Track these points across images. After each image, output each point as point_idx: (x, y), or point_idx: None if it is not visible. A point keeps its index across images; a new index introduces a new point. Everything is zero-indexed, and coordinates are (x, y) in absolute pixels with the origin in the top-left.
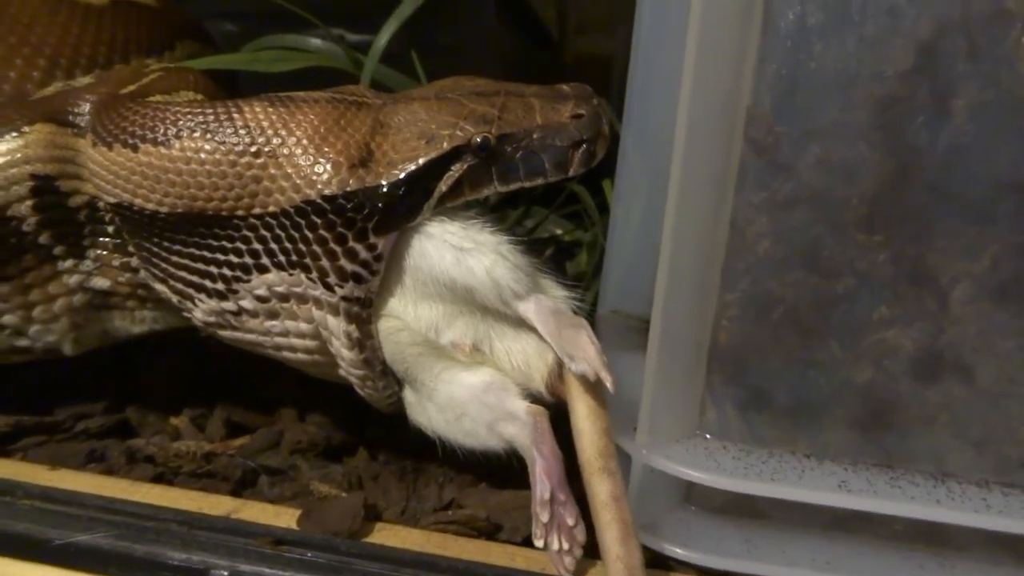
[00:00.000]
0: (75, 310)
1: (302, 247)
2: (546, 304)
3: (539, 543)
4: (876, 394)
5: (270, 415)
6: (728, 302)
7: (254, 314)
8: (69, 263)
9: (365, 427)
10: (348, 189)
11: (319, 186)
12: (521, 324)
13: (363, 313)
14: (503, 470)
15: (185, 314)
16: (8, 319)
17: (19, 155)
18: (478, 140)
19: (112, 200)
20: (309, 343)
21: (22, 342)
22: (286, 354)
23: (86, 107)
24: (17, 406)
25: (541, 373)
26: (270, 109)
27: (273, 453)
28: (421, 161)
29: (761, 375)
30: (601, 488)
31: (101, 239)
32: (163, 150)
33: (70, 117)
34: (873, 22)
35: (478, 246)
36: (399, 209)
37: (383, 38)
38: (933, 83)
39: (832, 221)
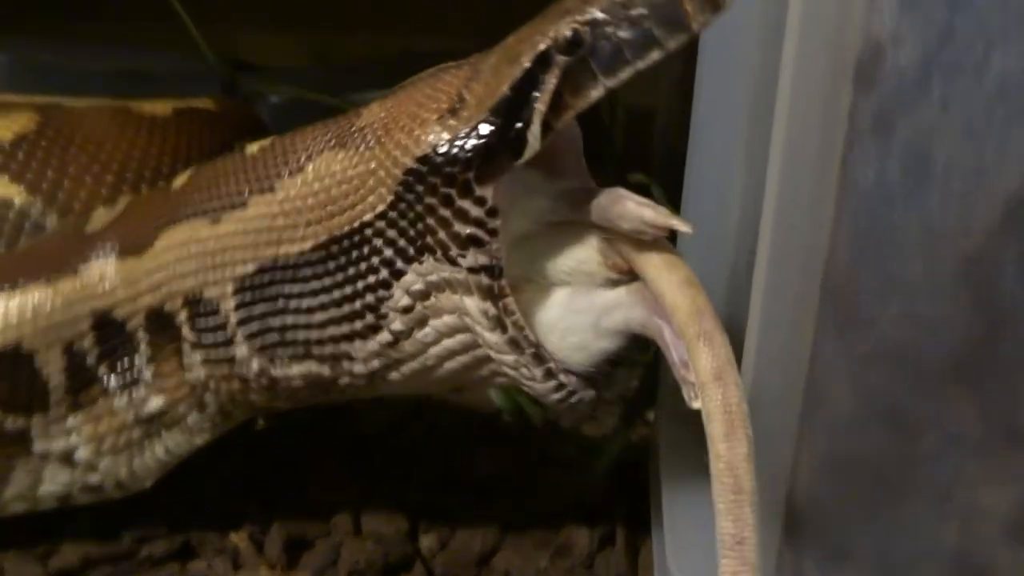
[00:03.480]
0: (136, 440)
1: (420, 226)
2: (568, 189)
3: (695, 404)
4: (967, 558)
5: (326, 522)
6: (806, 458)
7: (407, 333)
8: (125, 394)
9: (419, 534)
10: (439, 142)
11: (413, 150)
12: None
13: (495, 285)
14: None
15: (342, 380)
16: (82, 453)
17: (80, 294)
18: (566, 34)
19: (240, 272)
20: (461, 338)
21: (94, 478)
22: (449, 365)
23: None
24: (85, 527)
25: (597, 261)
26: (382, 101)
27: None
28: (506, 87)
29: (841, 535)
30: (700, 361)
31: (156, 353)
32: (299, 177)
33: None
34: (958, 179)
35: None
36: (498, 148)
37: None
38: (1021, 238)
39: (916, 376)
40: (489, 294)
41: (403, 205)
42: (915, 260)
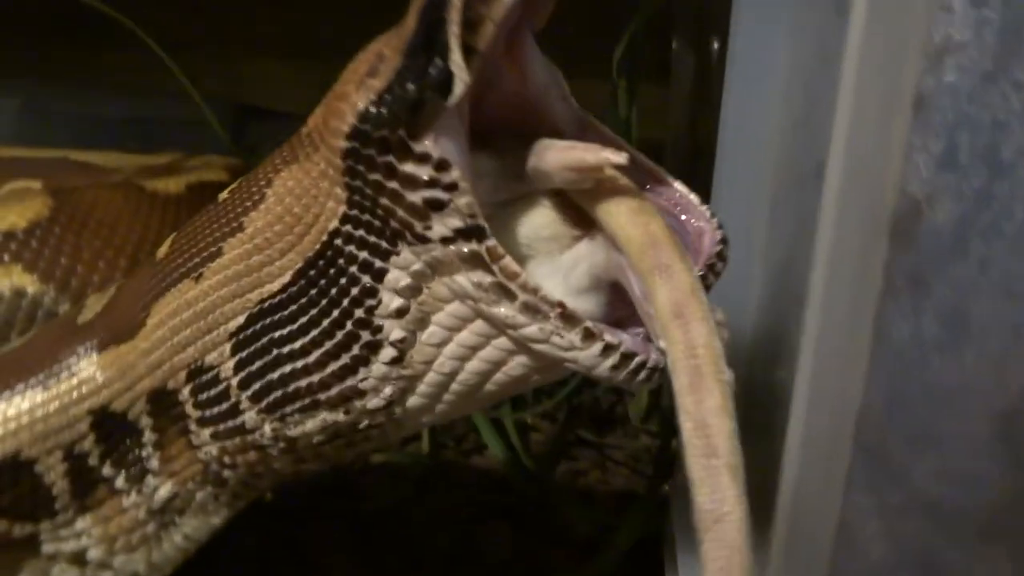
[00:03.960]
0: (151, 533)
1: (379, 212)
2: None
3: (660, 344)
4: None
5: None
6: None
7: (411, 340)
8: (133, 489)
9: None
10: (360, 108)
11: (342, 128)
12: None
13: (481, 249)
14: None
15: (362, 422)
16: (94, 553)
17: (75, 394)
18: None
19: (234, 326)
20: (474, 327)
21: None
22: (473, 367)
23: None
24: None
25: (554, 220)
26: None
27: None
28: (412, 20)
29: None
30: (658, 297)
31: (162, 437)
32: (263, 206)
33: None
34: (996, 337)
35: None
36: (422, 91)
37: None
38: None
39: (950, 530)
40: (477, 261)
41: (356, 196)
42: (950, 415)
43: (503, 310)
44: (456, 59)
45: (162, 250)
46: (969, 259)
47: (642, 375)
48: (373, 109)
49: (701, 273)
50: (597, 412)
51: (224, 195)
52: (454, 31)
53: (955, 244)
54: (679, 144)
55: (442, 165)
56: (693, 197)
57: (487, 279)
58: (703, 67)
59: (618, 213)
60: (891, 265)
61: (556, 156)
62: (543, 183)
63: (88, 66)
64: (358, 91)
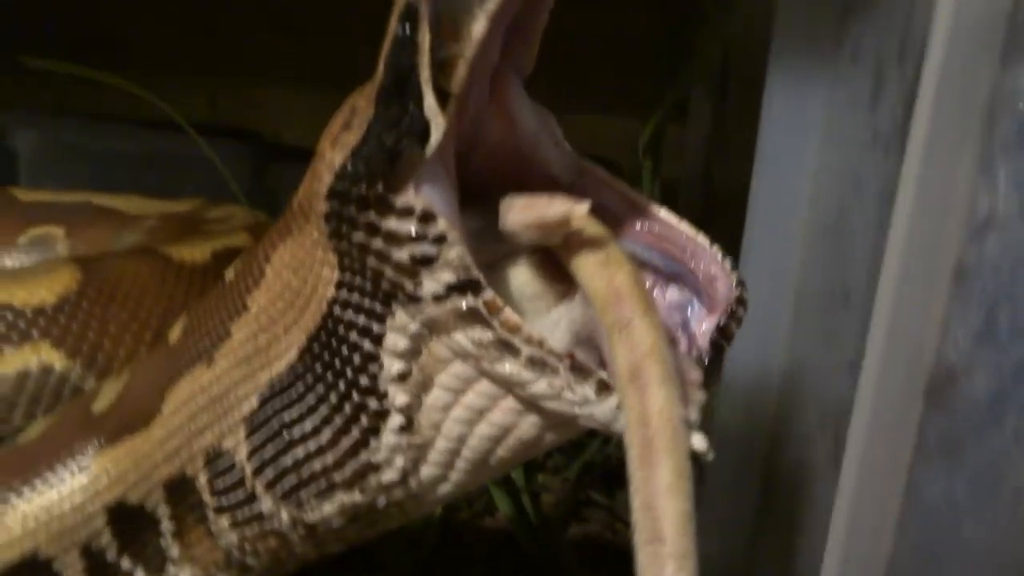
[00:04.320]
0: None
1: (368, 272)
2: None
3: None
4: None
5: None
6: None
7: (416, 404)
8: None
9: None
10: (336, 166)
11: (320, 190)
12: None
13: (478, 304)
14: None
15: (380, 500)
16: None
17: (90, 490)
18: (404, 2)
19: (248, 409)
20: (480, 389)
21: None
22: (484, 432)
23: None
24: None
25: (533, 278)
26: None
27: None
28: (382, 66)
29: None
30: (616, 357)
31: (180, 526)
32: (263, 283)
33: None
34: None
35: None
36: (397, 142)
37: None
38: None
39: None
40: (475, 317)
41: (346, 260)
42: (981, 574)
43: (508, 367)
44: (430, 104)
45: (175, 332)
46: (1005, 430)
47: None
48: (348, 165)
49: (721, 323)
50: (608, 470)
51: (229, 274)
52: (425, 75)
53: (991, 415)
54: (694, 186)
55: (426, 217)
56: (702, 239)
57: (487, 335)
58: (721, 112)
59: (585, 265)
60: (926, 428)
61: (517, 216)
62: (517, 242)
63: (103, 99)
64: (333, 148)
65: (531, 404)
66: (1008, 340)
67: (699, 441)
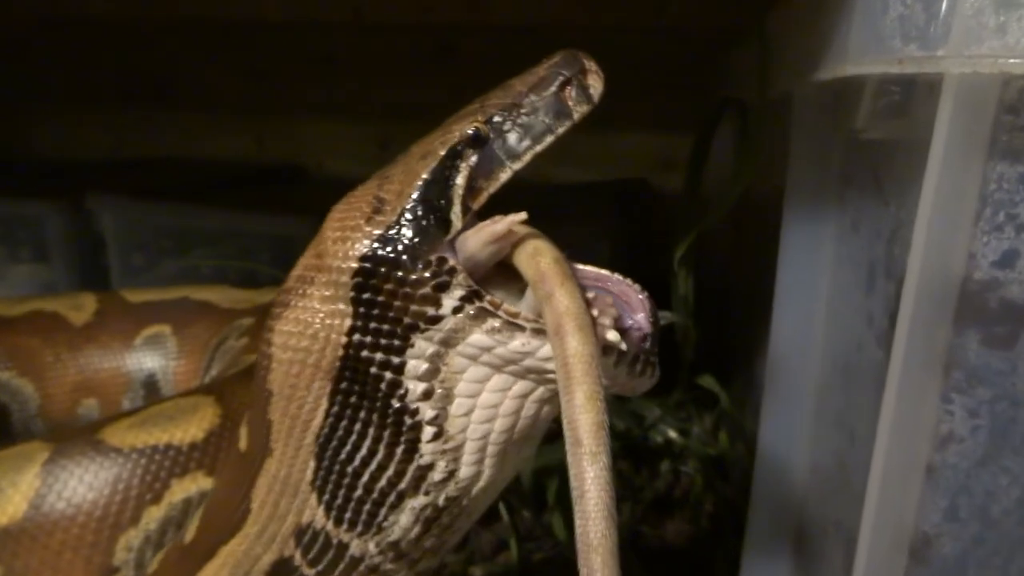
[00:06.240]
0: None
1: (390, 315)
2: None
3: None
4: None
5: None
6: None
7: (443, 416)
8: None
9: None
10: (374, 237)
11: (352, 253)
12: None
13: (484, 304)
14: None
15: (440, 498)
16: None
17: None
18: (468, 132)
19: (310, 476)
20: (492, 384)
21: None
22: (498, 424)
23: None
24: None
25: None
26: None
27: None
28: (425, 173)
29: None
30: (547, 318)
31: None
32: (274, 364)
33: None
34: None
35: None
36: (427, 227)
37: None
38: None
39: None
40: (485, 314)
41: (362, 308)
42: None
43: (518, 341)
44: (456, 211)
45: (243, 438)
46: None
47: (644, 367)
48: (387, 237)
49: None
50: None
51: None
52: (459, 194)
53: (958, 569)
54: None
55: (442, 261)
56: (618, 276)
57: (496, 322)
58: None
59: (521, 258)
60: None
61: (476, 239)
62: (479, 268)
63: (182, 183)
64: (368, 223)
65: (538, 372)
66: (967, 519)
67: (612, 335)
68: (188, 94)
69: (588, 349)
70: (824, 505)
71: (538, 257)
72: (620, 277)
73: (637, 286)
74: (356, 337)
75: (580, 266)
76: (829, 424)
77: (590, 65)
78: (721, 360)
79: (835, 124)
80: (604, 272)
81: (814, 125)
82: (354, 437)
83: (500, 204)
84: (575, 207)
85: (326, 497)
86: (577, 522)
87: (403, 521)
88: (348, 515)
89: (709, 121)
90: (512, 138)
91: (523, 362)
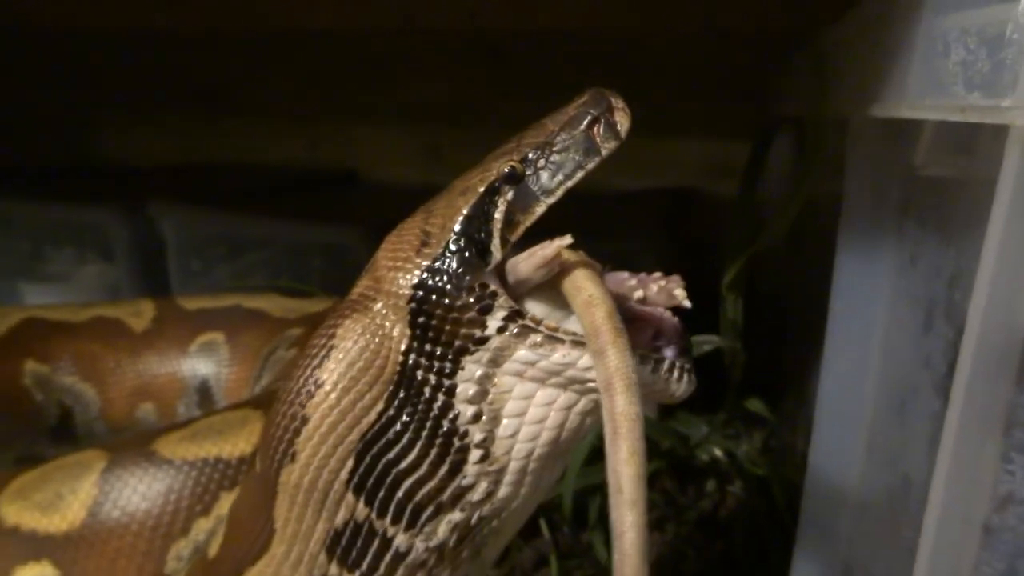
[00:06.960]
0: None
1: (443, 338)
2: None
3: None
4: None
5: None
6: None
7: (490, 438)
8: None
9: None
10: (425, 267)
11: (408, 280)
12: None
13: (526, 322)
14: None
15: (473, 517)
16: None
17: None
18: (504, 170)
19: (346, 475)
20: (538, 399)
21: None
22: (543, 438)
23: None
24: None
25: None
26: (358, 281)
27: None
28: (466, 209)
29: None
30: (597, 373)
31: None
32: (334, 354)
33: None
34: None
35: None
36: (470, 256)
37: None
38: None
39: None
40: (527, 330)
41: (418, 331)
42: None
43: (559, 353)
44: (496, 244)
45: (213, 548)
46: None
47: (680, 374)
48: (436, 266)
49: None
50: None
51: (279, 387)
52: (498, 227)
53: None
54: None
55: (484, 286)
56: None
57: (538, 337)
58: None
59: (576, 303)
60: None
61: (527, 264)
62: (530, 283)
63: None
64: (418, 255)
65: (580, 383)
66: None
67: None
68: (244, 101)
69: (634, 409)
70: (875, 547)
71: (592, 309)
72: (656, 287)
73: (668, 313)
74: (411, 358)
75: (620, 274)
76: (881, 463)
77: (617, 103)
78: (771, 378)
79: (893, 157)
80: (643, 275)
81: (871, 155)
82: (403, 444)
83: (550, 212)
84: (622, 219)
85: (368, 492)
86: (615, 556)
87: (440, 532)
88: (392, 509)
89: (763, 140)
90: (545, 175)
91: (566, 372)
